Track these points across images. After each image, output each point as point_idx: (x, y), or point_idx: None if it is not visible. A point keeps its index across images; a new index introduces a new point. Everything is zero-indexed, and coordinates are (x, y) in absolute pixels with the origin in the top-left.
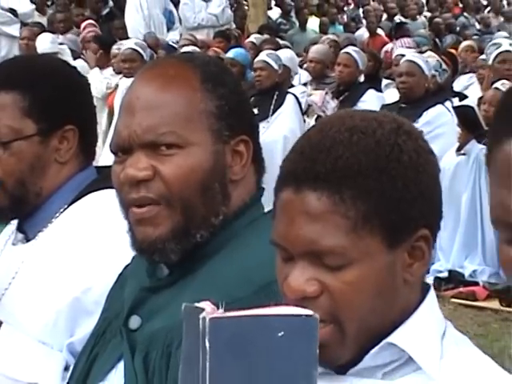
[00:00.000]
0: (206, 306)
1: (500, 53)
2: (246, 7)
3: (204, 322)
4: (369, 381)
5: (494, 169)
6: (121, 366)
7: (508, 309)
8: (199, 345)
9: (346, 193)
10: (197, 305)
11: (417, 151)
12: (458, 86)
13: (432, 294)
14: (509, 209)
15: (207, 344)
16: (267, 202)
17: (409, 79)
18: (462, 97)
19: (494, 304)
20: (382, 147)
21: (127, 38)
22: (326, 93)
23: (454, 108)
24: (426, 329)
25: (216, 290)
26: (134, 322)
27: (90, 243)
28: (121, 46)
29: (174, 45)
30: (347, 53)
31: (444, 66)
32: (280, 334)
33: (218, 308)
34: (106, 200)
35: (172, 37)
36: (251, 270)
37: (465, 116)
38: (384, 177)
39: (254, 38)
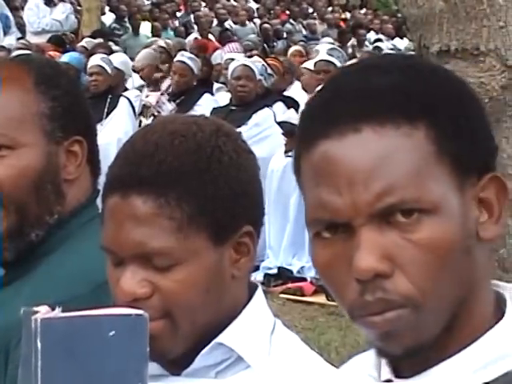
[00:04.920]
0: (43, 308)
1: (317, 62)
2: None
3: (36, 323)
4: (202, 380)
5: (310, 171)
6: None
7: (334, 303)
8: (32, 346)
9: (170, 195)
10: (35, 308)
11: (236, 151)
12: (292, 91)
13: (260, 292)
14: (327, 205)
15: (39, 344)
16: None
17: (247, 83)
18: (291, 101)
19: (321, 299)
20: (203, 149)
21: None
22: (162, 94)
23: (278, 123)
24: (254, 327)
25: (54, 288)
26: None
27: None
28: None
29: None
30: (182, 62)
31: (269, 71)
32: (111, 334)
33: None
34: None
35: (8, 41)
36: (89, 269)
37: (288, 129)
38: (206, 177)
39: (85, 42)
